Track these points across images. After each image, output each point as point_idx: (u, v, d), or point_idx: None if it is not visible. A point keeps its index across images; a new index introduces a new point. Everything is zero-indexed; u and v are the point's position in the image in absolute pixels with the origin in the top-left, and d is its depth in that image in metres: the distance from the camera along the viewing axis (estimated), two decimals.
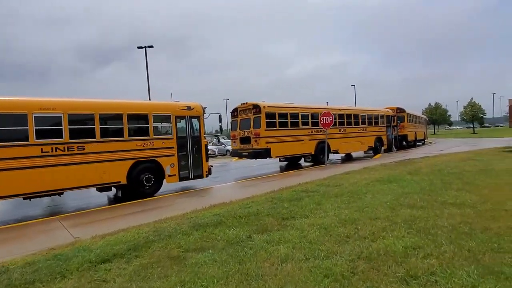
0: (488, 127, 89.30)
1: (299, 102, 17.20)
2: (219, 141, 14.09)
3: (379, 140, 19.54)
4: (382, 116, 20.07)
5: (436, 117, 56.06)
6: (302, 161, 16.51)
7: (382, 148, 19.85)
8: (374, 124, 19.33)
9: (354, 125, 17.81)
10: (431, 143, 29.55)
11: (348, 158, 18.64)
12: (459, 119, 56.32)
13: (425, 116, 32.79)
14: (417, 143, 29.05)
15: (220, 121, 11.00)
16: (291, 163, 16.65)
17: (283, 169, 14.70)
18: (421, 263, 3.25)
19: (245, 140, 14.10)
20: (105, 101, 8.80)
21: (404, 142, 24.25)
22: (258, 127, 13.40)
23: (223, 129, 16.27)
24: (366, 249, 3.70)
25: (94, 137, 8.14)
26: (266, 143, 13.30)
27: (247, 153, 13.99)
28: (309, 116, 15.03)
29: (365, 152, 19.31)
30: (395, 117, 21.67)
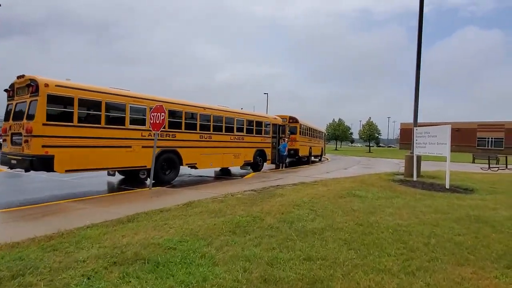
0: (383, 147, 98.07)
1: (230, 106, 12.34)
2: None
3: (261, 153, 15.53)
4: (267, 124, 16.17)
5: (339, 133, 57.23)
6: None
7: (265, 163, 15.95)
8: (256, 133, 15.26)
9: (226, 131, 13.37)
10: (327, 159, 27.48)
11: (222, 174, 14.17)
12: (358, 137, 58.59)
13: (323, 130, 30.89)
14: (314, 159, 26.67)
15: None
16: (131, 179, 11.29)
17: (105, 189, 9.17)
18: None
19: (16, 138, 8.27)
20: None
21: (296, 158, 21.11)
22: (31, 118, 7.73)
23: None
24: None
25: None
26: (44, 146, 7.71)
27: (15, 161, 8.14)
28: (147, 111, 9.91)
29: (241, 167, 15.07)
30: (285, 127, 18.08)
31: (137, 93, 10.06)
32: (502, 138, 51.42)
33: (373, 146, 58.29)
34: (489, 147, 51.01)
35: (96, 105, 8.74)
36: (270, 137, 16.27)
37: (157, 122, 8.81)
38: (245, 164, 14.78)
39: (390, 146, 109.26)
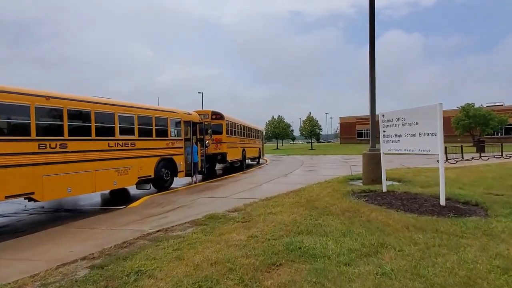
0: (323, 142, 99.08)
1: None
2: None
3: (167, 164, 10.84)
4: (177, 123, 11.52)
5: (279, 131, 54.48)
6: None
7: (176, 177, 11.30)
8: (159, 136, 10.55)
9: (100, 135, 8.48)
10: (266, 161, 23.68)
11: (112, 198, 9.30)
12: (299, 134, 56.52)
13: (261, 129, 27.03)
14: (252, 162, 22.74)
15: None
16: None
17: None
18: None
19: None
20: None
21: (228, 163, 16.86)
22: None
23: None
24: None
25: None
26: None
27: None
28: None
29: (138, 187, 10.24)
30: (203, 125, 13.37)
31: None
32: None
33: (314, 142, 56.66)
34: None
35: None
36: (181, 140, 11.65)
37: None
38: (143, 182, 10.01)
39: (329, 141, 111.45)
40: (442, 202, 5.89)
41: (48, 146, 7.18)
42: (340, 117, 67.64)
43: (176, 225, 5.26)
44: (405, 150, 6.83)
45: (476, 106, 36.88)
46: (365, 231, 4.38)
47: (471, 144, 30.11)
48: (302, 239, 4.07)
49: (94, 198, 9.66)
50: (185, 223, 5.39)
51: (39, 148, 7.00)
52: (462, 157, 16.39)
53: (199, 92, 43.73)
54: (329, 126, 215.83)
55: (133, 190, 10.43)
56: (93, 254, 3.95)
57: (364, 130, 60.67)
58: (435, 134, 5.90)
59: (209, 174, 15.00)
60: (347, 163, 18.43)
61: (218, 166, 19.15)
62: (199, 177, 13.23)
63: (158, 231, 4.96)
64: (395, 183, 9.24)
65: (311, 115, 48.74)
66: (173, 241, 4.25)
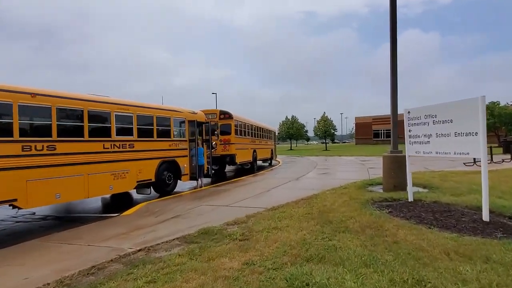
0: (338, 143, 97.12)
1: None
2: None
3: (170, 166, 10.11)
4: (181, 122, 10.79)
5: (293, 131, 53.24)
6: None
7: (178, 181, 10.55)
8: (160, 136, 9.83)
9: (93, 135, 7.81)
10: (279, 163, 22.76)
11: (112, 203, 8.59)
12: (314, 135, 55.16)
13: (274, 129, 26.03)
14: (264, 163, 21.96)
15: None
16: None
17: None
18: None
19: None
20: None
21: (239, 165, 16.08)
22: None
23: None
24: None
25: None
26: None
27: None
28: None
29: (138, 191, 9.55)
30: (210, 125, 12.58)
31: None
32: None
33: (328, 143, 55.23)
34: None
35: None
36: (186, 141, 10.89)
37: None
38: (143, 186, 9.31)
39: (344, 142, 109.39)
40: (485, 217, 4.86)
41: (33, 148, 6.54)
42: (355, 117, 65.81)
43: (162, 243, 4.45)
44: (436, 152, 5.81)
45: (501, 104, 34.89)
46: (393, 258, 3.44)
47: (497, 145, 28.45)
48: (311, 270, 3.17)
49: (94, 202, 9.04)
50: (174, 239, 4.58)
51: (22, 150, 6.35)
52: (492, 159, 15.00)
53: (213, 93, 43.23)
54: (344, 126, 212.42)
55: (136, 193, 9.79)
56: (48, 284, 3.17)
57: (381, 130, 58.80)
58: (476, 133, 4.88)
59: (218, 177, 14.28)
60: (364, 166, 17.30)
61: (229, 168, 18.44)
62: (206, 180, 12.47)
63: (139, 250, 4.16)
64: (421, 189, 8.19)
65: (325, 115, 47.41)
66: (151, 267, 3.43)
